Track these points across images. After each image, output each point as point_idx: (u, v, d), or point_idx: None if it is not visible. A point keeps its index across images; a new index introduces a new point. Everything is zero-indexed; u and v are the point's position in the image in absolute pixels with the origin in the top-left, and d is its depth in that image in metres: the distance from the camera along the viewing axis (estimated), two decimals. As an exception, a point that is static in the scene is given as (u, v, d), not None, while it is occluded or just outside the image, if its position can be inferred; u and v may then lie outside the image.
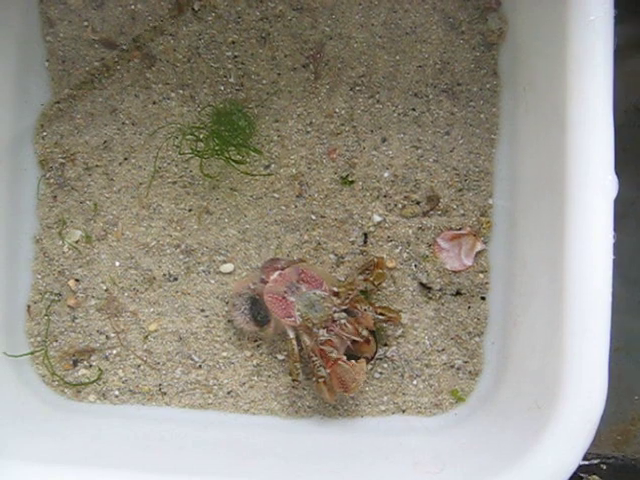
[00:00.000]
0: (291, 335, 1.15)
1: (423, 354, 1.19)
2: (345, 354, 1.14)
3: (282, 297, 1.14)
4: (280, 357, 1.19)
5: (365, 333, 1.13)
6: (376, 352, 1.17)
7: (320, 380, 1.12)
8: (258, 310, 1.16)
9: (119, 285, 1.22)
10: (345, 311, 1.14)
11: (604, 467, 1.20)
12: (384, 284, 1.19)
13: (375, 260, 1.17)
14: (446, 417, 1.18)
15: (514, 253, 1.17)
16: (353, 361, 1.12)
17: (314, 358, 1.12)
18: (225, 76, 1.23)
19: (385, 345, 1.19)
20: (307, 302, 1.14)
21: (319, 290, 1.14)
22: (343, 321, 1.13)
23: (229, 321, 1.20)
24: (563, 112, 0.99)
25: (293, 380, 1.16)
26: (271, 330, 1.16)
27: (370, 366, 1.19)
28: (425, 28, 1.22)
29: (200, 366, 1.20)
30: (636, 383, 1.25)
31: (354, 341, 1.14)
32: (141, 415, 1.19)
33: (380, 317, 1.15)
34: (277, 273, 1.15)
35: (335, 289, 1.15)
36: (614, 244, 0.96)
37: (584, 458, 0.95)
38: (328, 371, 1.11)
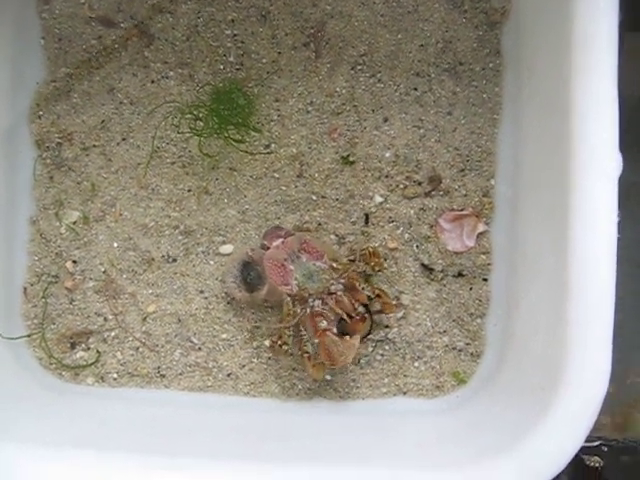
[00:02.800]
0: (287, 300, 1.13)
1: (425, 336, 1.19)
2: (339, 331, 1.13)
3: (281, 264, 1.13)
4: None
5: (361, 309, 1.13)
6: (370, 332, 1.16)
7: (305, 355, 1.11)
8: (248, 271, 1.15)
9: (117, 267, 1.21)
10: (342, 285, 1.13)
11: (605, 449, 1.20)
12: (385, 265, 1.19)
13: (370, 250, 1.16)
14: (448, 399, 1.17)
15: (516, 234, 1.16)
16: (347, 336, 1.11)
17: (302, 332, 1.12)
18: (225, 55, 1.21)
19: (386, 327, 1.18)
20: (306, 272, 1.13)
21: (319, 262, 1.13)
22: (340, 293, 1.12)
23: (225, 293, 1.19)
24: (567, 91, 0.98)
25: (281, 345, 1.13)
26: (262, 295, 1.15)
27: (371, 348, 1.18)
28: (427, 7, 1.20)
29: (199, 348, 1.19)
30: (637, 366, 1.25)
31: (349, 317, 1.12)
32: (140, 398, 1.18)
33: (375, 299, 1.14)
34: (280, 240, 1.14)
35: (334, 264, 1.14)
36: (618, 224, 0.95)
37: (585, 440, 0.95)
38: (316, 341, 1.10)
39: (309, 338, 1.11)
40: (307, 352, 1.11)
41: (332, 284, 1.13)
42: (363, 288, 1.13)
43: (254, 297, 1.16)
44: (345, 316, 1.12)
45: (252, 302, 1.18)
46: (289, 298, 1.13)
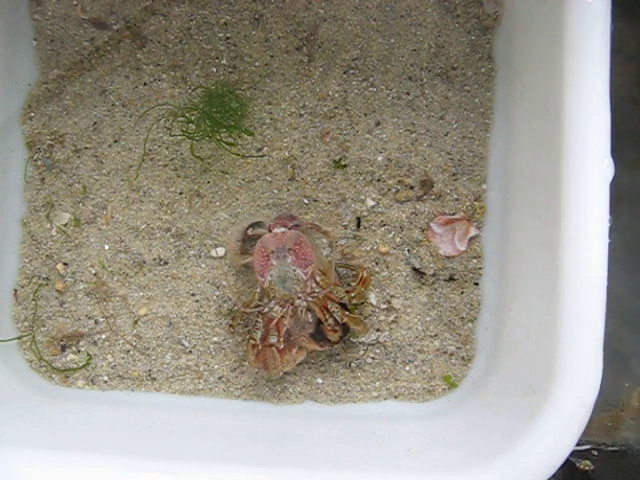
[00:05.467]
0: (257, 290, 1.14)
1: (416, 339, 1.19)
2: (317, 334, 1.14)
3: (267, 255, 1.13)
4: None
5: (331, 322, 1.12)
6: (342, 338, 1.15)
7: (251, 341, 1.12)
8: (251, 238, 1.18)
9: (108, 269, 1.20)
10: (306, 303, 1.13)
11: (595, 453, 1.20)
12: (377, 269, 1.19)
13: (364, 275, 1.15)
14: (439, 403, 1.17)
15: (508, 238, 1.16)
16: (300, 345, 1.12)
17: (259, 321, 1.13)
18: (217, 57, 1.21)
19: (377, 330, 1.18)
20: (282, 274, 1.12)
21: (300, 270, 1.13)
22: (304, 303, 1.12)
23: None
24: (559, 95, 0.98)
25: (229, 325, 1.17)
26: (243, 261, 1.17)
27: (362, 351, 1.18)
28: (420, 11, 1.21)
29: (190, 351, 1.19)
30: (626, 369, 1.25)
31: (321, 322, 1.13)
32: (130, 401, 1.18)
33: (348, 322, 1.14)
34: (281, 230, 1.14)
35: (318, 278, 1.14)
36: (609, 228, 0.95)
37: (576, 444, 0.95)
38: (260, 347, 1.12)
39: (259, 329, 1.12)
40: (254, 340, 1.12)
41: (298, 297, 1.12)
42: (333, 312, 1.12)
43: (239, 258, 1.17)
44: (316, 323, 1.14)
45: (236, 260, 1.18)
46: (258, 290, 1.14)
